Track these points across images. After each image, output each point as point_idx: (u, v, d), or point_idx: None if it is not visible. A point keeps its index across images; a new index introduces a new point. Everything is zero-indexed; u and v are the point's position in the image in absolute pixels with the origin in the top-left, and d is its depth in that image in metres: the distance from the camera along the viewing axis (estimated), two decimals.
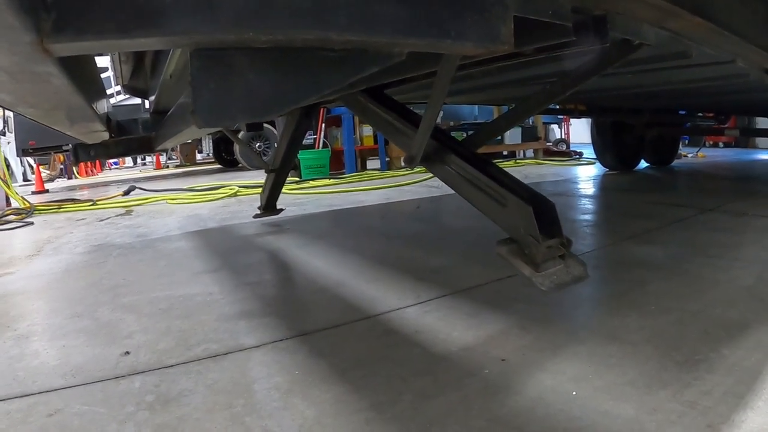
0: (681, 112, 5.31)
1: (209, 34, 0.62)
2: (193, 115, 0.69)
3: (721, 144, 8.93)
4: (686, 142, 8.13)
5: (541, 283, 1.22)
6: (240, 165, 10.12)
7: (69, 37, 0.61)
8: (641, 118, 5.01)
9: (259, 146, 9.30)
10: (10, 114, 8.91)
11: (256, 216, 3.63)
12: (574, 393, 1.17)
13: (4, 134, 8.82)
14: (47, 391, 1.32)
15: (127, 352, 1.54)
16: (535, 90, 2.97)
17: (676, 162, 6.29)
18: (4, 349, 1.61)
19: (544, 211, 1.25)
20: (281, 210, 3.69)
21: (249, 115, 0.71)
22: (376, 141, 8.20)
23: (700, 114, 5.53)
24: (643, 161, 5.98)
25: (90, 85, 1.56)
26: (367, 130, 8.27)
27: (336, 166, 7.85)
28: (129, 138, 2.71)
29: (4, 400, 1.29)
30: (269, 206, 3.58)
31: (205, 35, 0.62)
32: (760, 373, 1.19)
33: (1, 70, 0.76)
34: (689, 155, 7.32)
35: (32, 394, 1.31)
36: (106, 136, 2.47)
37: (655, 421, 1.04)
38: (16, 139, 8.74)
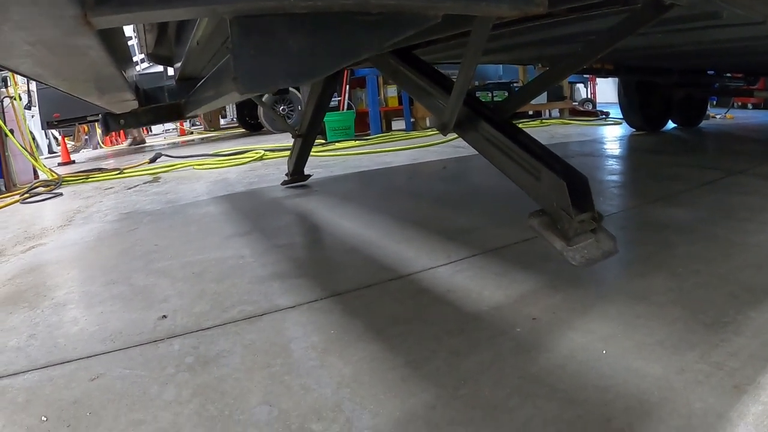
0: (709, 72, 5.19)
1: (251, 1, 0.62)
2: (235, 81, 0.70)
3: (749, 105, 8.69)
4: (714, 103, 7.94)
5: (572, 257, 1.23)
6: (264, 129, 10.11)
7: (112, 9, 0.62)
8: (669, 78, 4.91)
9: (283, 109, 9.28)
10: (33, 87, 8.94)
11: (284, 183, 3.65)
12: (604, 352, 1.19)
13: (29, 108, 8.88)
14: (88, 357, 1.37)
15: (164, 316, 1.58)
16: (563, 50, 2.94)
17: (703, 123, 6.17)
18: (43, 318, 1.66)
19: (577, 185, 1.26)
20: (309, 176, 3.71)
21: (290, 80, 0.73)
22: (400, 102, 8.14)
23: (728, 75, 5.39)
24: (670, 122, 5.88)
25: (121, 54, 1.57)
26: (392, 91, 8.21)
27: (361, 127, 7.81)
28: (158, 106, 2.73)
29: (46, 367, 1.33)
30: (297, 172, 3.60)
31: (246, 3, 0.63)
32: None
33: (40, 44, 0.78)
34: (717, 116, 7.16)
35: (73, 360, 1.36)
36: (135, 105, 2.49)
37: (682, 381, 1.05)
38: (40, 112, 8.78)
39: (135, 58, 4.87)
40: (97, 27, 0.66)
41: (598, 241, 1.27)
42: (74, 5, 0.59)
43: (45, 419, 1.10)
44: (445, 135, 1.60)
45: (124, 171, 5.67)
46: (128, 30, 3.43)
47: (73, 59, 0.97)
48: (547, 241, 1.29)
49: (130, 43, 3.92)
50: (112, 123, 2.59)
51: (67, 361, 1.35)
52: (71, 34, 0.73)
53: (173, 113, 2.76)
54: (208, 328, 1.47)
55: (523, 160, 1.38)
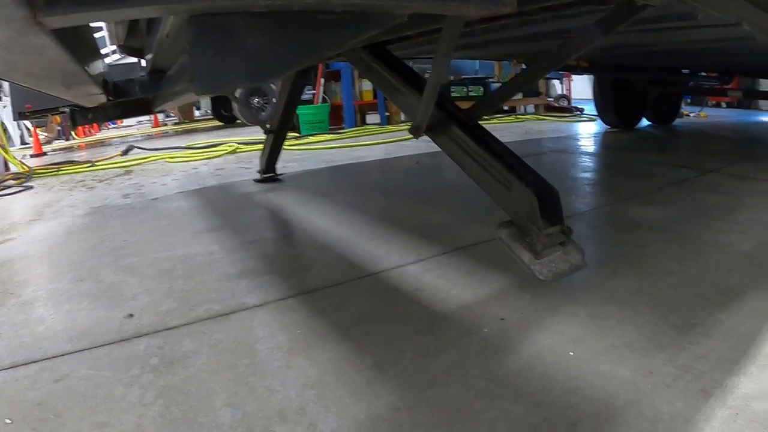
0: (684, 71, 5.24)
1: (207, 0, 0.60)
2: (192, 82, 0.68)
3: (723, 104, 8.79)
4: (688, 101, 8.01)
5: (539, 271, 1.23)
6: (238, 121, 10.03)
7: (62, 9, 0.59)
8: (644, 75, 4.94)
9: (258, 102, 9.20)
10: None
11: (257, 180, 3.62)
12: (571, 353, 1.19)
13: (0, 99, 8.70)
14: (53, 357, 1.34)
15: (131, 315, 1.55)
16: (538, 46, 2.94)
17: (677, 121, 6.23)
18: (9, 316, 1.62)
19: (547, 198, 1.25)
20: (282, 174, 3.69)
21: (249, 80, 0.70)
22: (375, 96, 8.09)
23: (703, 74, 5.45)
24: (644, 119, 5.93)
25: (85, 49, 1.53)
26: (367, 85, 8.15)
27: (335, 121, 7.75)
28: (127, 100, 2.68)
29: (11, 367, 1.30)
30: (269, 170, 3.57)
31: (202, 2, 0.61)
32: (754, 340, 1.20)
33: None
34: (691, 115, 7.23)
35: (39, 360, 1.33)
36: (103, 99, 2.43)
37: (650, 384, 1.06)
38: (12, 103, 8.61)
39: (105, 50, 4.78)
40: (48, 27, 0.64)
41: (566, 255, 1.27)
42: (23, 7, 0.57)
43: (9, 421, 1.08)
44: (417, 138, 1.58)
45: (96, 163, 5.58)
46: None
47: (29, 57, 0.94)
48: (515, 253, 1.29)
49: (100, 34, 3.86)
50: (80, 117, 2.54)
51: (33, 362, 1.32)
52: (23, 35, 0.70)
53: (142, 108, 2.70)
54: (174, 327, 1.45)
55: (495, 169, 1.37)
